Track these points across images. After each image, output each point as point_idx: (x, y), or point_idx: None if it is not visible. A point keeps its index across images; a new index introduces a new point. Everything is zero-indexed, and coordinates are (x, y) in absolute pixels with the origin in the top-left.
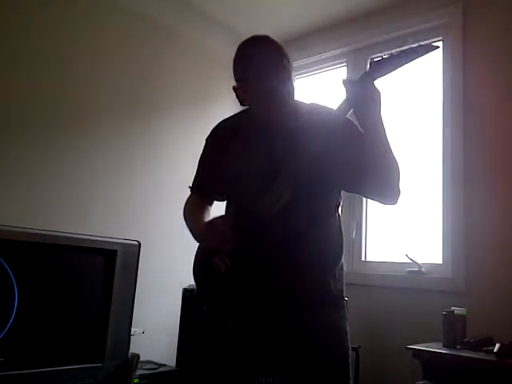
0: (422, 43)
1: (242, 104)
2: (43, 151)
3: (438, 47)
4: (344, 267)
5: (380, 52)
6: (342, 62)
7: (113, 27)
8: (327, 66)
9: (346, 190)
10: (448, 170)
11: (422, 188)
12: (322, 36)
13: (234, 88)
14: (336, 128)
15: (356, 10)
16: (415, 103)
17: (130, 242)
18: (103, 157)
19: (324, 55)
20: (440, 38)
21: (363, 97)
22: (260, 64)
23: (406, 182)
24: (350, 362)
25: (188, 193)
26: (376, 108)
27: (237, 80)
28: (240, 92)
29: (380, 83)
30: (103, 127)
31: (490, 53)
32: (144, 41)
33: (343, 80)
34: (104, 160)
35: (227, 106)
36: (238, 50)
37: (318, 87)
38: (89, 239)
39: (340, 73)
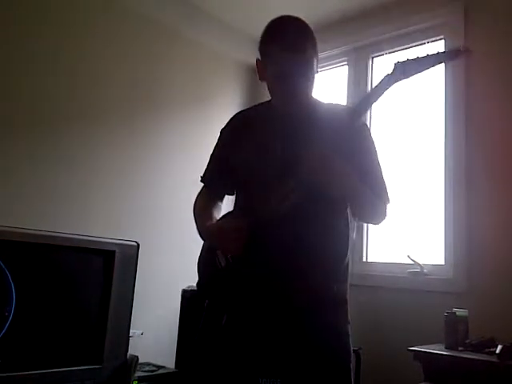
0: (451, 49)
1: (260, 80)
2: (42, 151)
3: (468, 51)
4: (349, 268)
5: (381, 50)
6: (342, 61)
7: (112, 27)
8: (328, 65)
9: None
10: (450, 171)
11: (424, 189)
12: (322, 35)
13: (256, 61)
14: (350, 134)
15: (357, 9)
16: (417, 103)
17: (129, 242)
18: (102, 157)
19: (325, 54)
20: (441, 36)
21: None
22: (281, 47)
23: (407, 182)
24: (351, 366)
25: (189, 194)
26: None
27: (260, 55)
28: (260, 68)
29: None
30: (103, 127)
31: (491, 51)
32: (144, 41)
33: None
34: (103, 160)
35: (227, 106)
36: (268, 26)
37: (319, 86)
38: (87, 240)
39: (341, 71)
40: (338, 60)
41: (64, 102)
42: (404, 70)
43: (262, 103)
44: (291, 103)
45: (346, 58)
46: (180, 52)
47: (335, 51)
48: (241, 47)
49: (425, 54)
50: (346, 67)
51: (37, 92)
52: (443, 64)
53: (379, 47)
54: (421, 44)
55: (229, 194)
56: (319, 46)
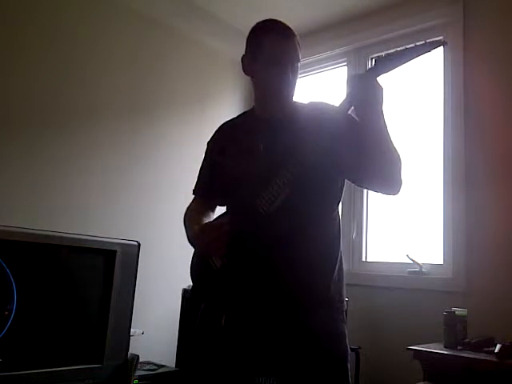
0: (427, 40)
1: (245, 73)
2: (43, 151)
3: (444, 43)
4: (344, 268)
5: (381, 51)
6: (342, 62)
7: (112, 26)
8: (328, 66)
9: (349, 180)
10: (449, 170)
11: (423, 188)
12: (322, 35)
13: (242, 57)
14: (337, 124)
15: (357, 9)
16: (416, 102)
17: (130, 242)
18: (103, 157)
19: (325, 54)
20: (441, 36)
21: (365, 93)
22: (274, 47)
23: (407, 181)
24: (348, 364)
25: (189, 193)
26: (377, 104)
27: (247, 51)
28: (246, 63)
29: (382, 81)
30: (103, 127)
31: (490, 51)
32: (144, 40)
33: (349, 76)
34: (104, 160)
35: (227, 106)
36: (258, 24)
37: (319, 87)
38: (88, 239)
39: (341, 72)
40: (337, 61)
41: (64, 102)
42: (385, 64)
43: (246, 112)
44: (273, 107)
45: (345, 59)
46: (180, 51)
47: (335, 52)
48: (241, 47)
49: (404, 48)
50: (346, 68)
51: (36, 91)
52: (422, 56)
53: (379, 48)
54: None
55: (221, 205)
56: (319, 47)
